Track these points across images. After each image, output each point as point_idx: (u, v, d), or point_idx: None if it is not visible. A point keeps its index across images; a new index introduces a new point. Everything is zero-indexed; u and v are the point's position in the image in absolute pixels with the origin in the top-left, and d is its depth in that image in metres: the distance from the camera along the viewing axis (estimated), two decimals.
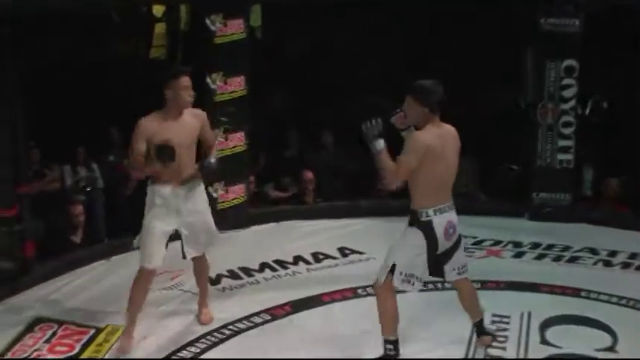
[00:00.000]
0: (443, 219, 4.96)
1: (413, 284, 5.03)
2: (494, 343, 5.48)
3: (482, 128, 9.76)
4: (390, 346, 5.12)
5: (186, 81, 5.36)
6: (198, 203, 5.63)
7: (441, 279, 5.32)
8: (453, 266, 5.15)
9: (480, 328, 5.45)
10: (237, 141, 7.95)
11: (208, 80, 7.79)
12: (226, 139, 7.87)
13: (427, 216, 4.92)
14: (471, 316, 5.43)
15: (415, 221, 4.96)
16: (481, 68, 9.84)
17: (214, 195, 7.83)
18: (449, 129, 5.03)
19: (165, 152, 5.20)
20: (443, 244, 5.00)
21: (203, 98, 7.76)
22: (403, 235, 5.04)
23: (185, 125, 5.45)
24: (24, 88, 6.69)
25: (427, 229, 4.93)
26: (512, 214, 8.54)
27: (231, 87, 7.87)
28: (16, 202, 6.67)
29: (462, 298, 5.39)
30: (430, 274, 5.13)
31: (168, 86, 5.32)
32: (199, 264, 5.88)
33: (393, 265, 4.98)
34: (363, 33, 9.93)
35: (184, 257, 5.68)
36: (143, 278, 5.48)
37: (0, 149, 6.61)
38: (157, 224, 5.43)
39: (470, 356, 5.35)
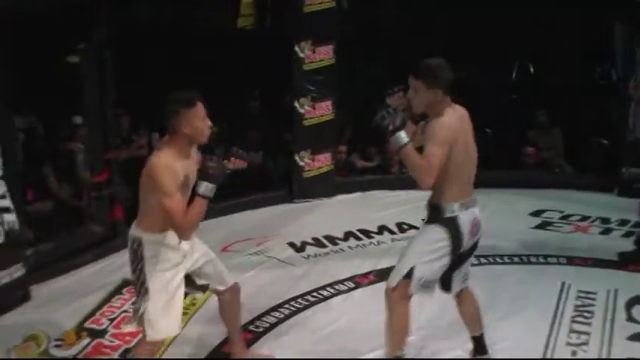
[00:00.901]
0: (469, 215, 4.29)
1: (432, 290, 4.43)
2: (580, 319, 5.41)
3: (572, 101, 9.66)
4: None
5: (202, 108, 4.18)
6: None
7: (445, 291, 4.58)
8: (462, 272, 4.52)
9: (479, 344, 4.75)
10: (325, 110, 7.99)
11: (297, 49, 7.82)
12: (314, 108, 7.91)
13: (452, 211, 4.26)
14: (472, 330, 4.72)
15: (438, 218, 4.29)
16: (573, 41, 9.72)
17: (300, 163, 7.90)
18: (462, 111, 4.32)
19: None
20: (466, 244, 4.35)
21: (291, 66, 7.87)
22: (422, 234, 4.39)
23: (193, 161, 4.32)
24: (114, 54, 6.75)
25: (453, 226, 4.27)
26: (601, 189, 8.41)
27: (319, 55, 7.89)
28: (106, 168, 6.81)
29: (465, 309, 4.68)
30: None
31: (181, 117, 4.11)
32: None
33: (411, 269, 4.30)
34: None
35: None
36: None
37: (90, 116, 6.78)
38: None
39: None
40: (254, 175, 8.10)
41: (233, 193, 7.67)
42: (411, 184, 8.19)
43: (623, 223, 7.44)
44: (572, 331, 5.26)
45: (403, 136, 4.03)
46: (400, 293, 4.33)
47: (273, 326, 5.39)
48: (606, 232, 7.31)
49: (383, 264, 6.27)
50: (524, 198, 8.17)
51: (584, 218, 7.60)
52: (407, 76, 4.21)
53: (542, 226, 7.44)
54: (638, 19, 8.21)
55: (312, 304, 5.74)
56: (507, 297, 5.76)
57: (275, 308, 5.63)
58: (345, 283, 6.05)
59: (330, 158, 8.18)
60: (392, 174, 8.75)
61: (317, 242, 6.93)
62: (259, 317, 5.48)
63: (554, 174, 9.13)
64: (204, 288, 4.61)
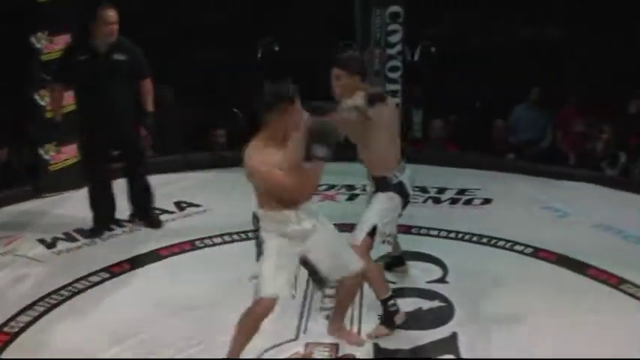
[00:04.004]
0: (405, 176, 5.11)
1: (390, 244, 5.16)
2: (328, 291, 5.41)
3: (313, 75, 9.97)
4: (392, 302, 5.06)
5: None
6: None
7: None
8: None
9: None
10: (68, 100, 7.76)
11: (33, 40, 7.58)
12: None
13: (397, 177, 5.05)
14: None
15: (387, 186, 5.05)
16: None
17: (45, 157, 7.70)
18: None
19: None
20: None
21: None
22: (379, 200, 5.07)
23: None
24: None
25: (401, 189, 5.07)
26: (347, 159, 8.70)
27: (57, 46, 7.60)
28: None
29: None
30: None
31: (278, 110, 4.24)
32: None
33: (374, 227, 4.96)
34: None
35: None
36: None
37: None
38: None
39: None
40: None
41: None
42: (161, 168, 8.16)
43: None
44: (324, 296, 5.41)
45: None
46: (363, 248, 4.89)
47: (29, 324, 5.23)
48: (352, 198, 7.68)
49: (137, 252, 6.33)
50: None
51: (331, 187, 7.89)
52: None
53: None
54: None
55: (67, 298, 5.62)
56: None
57: (30, 306, 5.46)
58: (99, 274, 5.97)
59: (76, 149, 7.99)
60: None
61: (68, 237, 6.77)
62: (13, 318, 5.29)
63: None
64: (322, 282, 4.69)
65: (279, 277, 4.40)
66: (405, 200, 5.13)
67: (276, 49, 11.51)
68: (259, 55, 11.56)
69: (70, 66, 6.67)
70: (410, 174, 5.18)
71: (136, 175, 6.96)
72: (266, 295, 4.37)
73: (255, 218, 4.58)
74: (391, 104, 5.17)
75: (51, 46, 7.65)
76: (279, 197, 4.35)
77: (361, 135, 4.94)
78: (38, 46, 7.62)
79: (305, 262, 4.58)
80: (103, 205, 6.94)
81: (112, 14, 6.51)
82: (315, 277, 4.67)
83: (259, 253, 4.49)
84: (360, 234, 4.97)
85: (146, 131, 6.84)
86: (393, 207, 5.07)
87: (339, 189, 7.87)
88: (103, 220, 6.94)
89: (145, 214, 7.05)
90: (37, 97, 7.68)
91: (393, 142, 5.07)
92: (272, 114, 4.24)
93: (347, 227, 6.64)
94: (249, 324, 4.43)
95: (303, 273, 4.77)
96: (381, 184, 5.09)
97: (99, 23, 6.51)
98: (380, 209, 5.04)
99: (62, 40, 7.65)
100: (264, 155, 4.25)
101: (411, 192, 5.17)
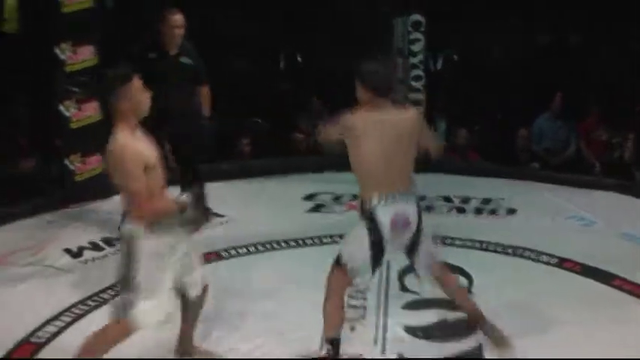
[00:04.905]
0: (390, 208, 4.45)
1: (360, 277, 4.81)
2: (357, 294, 5.58)
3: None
4: (330, 347, 4.63)
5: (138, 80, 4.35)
6: None
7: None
8: (421, 263, 4.77)
9: None
10: (92, 111, 7.83)
11: (57, 51, 7.61)
12: (80, 110, 7.74)
13: (372, 205, 4.46)
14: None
15: (362, 210, 4.55)
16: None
17: (71, 167, 7.74)
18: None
19: None
20: (394, 237, 4.54)
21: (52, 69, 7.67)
22: (354, 226, 4.63)
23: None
24: None
25: (372, 224, 4.47)
26: None
27: (81, 56, 7.70)
28: None
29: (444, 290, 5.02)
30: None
31: (120, 92, 4.22)
32: None
33: (338, 256, 4.60)
34: None
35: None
36: None
37: None
38: None
39: None
40: (25, 183, 7.86)
41: (3, 203, 7.44)
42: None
43: None
44: (349, 306, 5.37)
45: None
46: (333, 277, 4.58)
47: (55, 334, 5.25)
48: None
49: None
50: (296, 184, 8.37)
51: (356, 197, 7.79)
52: None
53: (316, 209, 7.68)
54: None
55: (94, 308, 5.63)
56: (292, 281, 5.91)
57: (57, 317, 5.47)
58: None
59: (101, 160, 8.04)
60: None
61: (94, 246, 6.81)
62: (40, 328, 5.31)
63: (325, 158, 9.42)
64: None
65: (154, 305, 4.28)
66: (378, 237, 4.48)
67: (299, 59, 11.57)
68: (283, 66, 11.62)
69: (140, 62, 6.76)
70: (402, 210, 4.50)
71: (190, 172, 7.13)
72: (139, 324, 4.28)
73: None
74: (400, 116, 4.59)
75: (75, 56, 7.70)
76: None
77: (349, 146, 4.52)
78: (62, 57, 7.66)
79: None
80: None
81: (176, 18, 6.77)
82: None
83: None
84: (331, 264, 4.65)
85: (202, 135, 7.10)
86: (358, 235, 4.54)
87: None
88: None
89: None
90: (61, 107, 7.71)
91: (385, 159, 4.46)
92: (115, 97, 4.17)
93: None
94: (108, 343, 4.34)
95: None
96: (360, 207, 4.61)
97: (164, 26, 6.76)
98: (347, 236, 4.73)
99: (86, 51, 7.72)
100: (133, 146, 4.12)
101: (386, 230, 4.47)
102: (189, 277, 4.46)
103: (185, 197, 4.28)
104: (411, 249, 4.67)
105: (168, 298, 4.34)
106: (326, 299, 4.59)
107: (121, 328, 4.30)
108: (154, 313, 4.27)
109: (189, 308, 4.65)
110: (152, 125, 6.83)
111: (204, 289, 4.64)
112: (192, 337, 4.82)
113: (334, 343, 4.61)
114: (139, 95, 4.20)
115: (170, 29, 6.76)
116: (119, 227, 4.36)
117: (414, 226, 4.56)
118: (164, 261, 4.24)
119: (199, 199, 6.69)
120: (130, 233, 4.18)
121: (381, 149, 4.42)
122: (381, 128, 4.44)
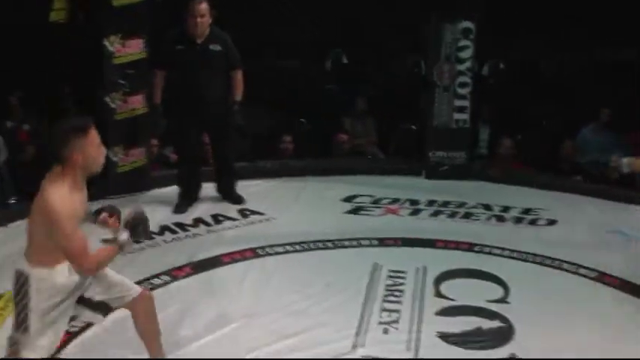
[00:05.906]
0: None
1: None
2: (391, 298, 5.61)
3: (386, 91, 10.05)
4: None
5: (95, 135, 3.94)
6: None
7: None
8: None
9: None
10: (136, 103, 7.88)
11: (106, 43, 7.67)
12: (125, 102, 7.80)
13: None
14: None
15: None
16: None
17: (114, 158, 7.79)
18: None
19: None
20: None
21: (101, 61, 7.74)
22: None
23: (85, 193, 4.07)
24: None
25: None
26: (410, 172, 8.76)
27: (129, 49, 7.77)
28: None
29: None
30: None
31: (74, 144, 3.84)
32: None
33: None
34: None
35: None
36: None
37: None
38: None
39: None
40: None
41: None
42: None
43: (431, 203, 7.80)
44: (383, 310, 5.44)
45: None
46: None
47: (89, 324, 5.10)
48: (415, 212, 7.61)
49: (199, 256, 6.34)
50: (336, 185, 8.35)
51: (395, 201, 7.86)
52: None
53: (354, 211, 7.65)
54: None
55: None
56: (326, 281, 5.91)
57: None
58: (161, 277, 5.99)
59: (144, 152, 8.10)
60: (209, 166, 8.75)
61: None
62: (73, 318, 5.25)
63: (366, 160, 9.44)
64: (104, 308, 4.33)
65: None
66: None
67: (345, 61, 11.58)
68: (328, 66, 11.63)
69: (168, 54, 7.13)
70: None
71: (222, 157, 7.52)
72: None
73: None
74: None
75: (123, 49, 7.76)
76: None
77: None
78: (111, 49, 7.72)
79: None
80: (188, 182, 7.49)
81: (198, 7, 6.90)
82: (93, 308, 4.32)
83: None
84: None
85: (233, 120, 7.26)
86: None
87: (402, 203, 7.83)
88: (188, 196, 7.47)
89: (229, 192, 7.59)
90: (107, 99, 7.78)
91: None
92: (66, 148, 3.83)
93: (408, 242, 6.68)
94: None
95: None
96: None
97: (189, 15, 6.92)
98: None
99: (135, 44, 7.78)
100: (70, 203, 3.84)
101: None
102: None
103: (125, 236, 4.03)
104: None
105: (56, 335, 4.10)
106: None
107: None
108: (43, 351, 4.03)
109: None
110: (186, 114, 7.07)
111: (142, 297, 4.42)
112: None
113: None
114: (93, 151, 3.90)
115: (194, 18, 6.91)
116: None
117: None
118: (60, 300, 4.02)
119: (228, 183, 6.82)
120: (23, 273, 3.96)
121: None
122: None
